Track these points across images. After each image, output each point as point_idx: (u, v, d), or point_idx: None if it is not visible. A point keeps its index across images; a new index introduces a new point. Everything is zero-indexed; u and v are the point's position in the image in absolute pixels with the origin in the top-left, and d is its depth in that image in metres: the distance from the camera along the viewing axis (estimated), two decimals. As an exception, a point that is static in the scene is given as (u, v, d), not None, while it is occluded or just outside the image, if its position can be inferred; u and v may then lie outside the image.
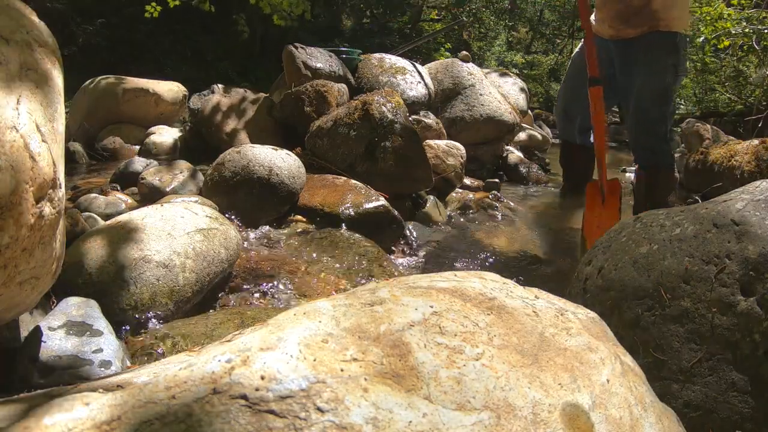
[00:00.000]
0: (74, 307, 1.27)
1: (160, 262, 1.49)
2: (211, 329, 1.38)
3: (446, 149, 3.26)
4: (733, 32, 5.49)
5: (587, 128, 3.13)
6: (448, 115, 4.01)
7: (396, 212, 2.41)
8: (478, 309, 0.76)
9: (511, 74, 5.27)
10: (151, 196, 2.44)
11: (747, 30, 5.43)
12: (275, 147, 2.41)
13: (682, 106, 9.07)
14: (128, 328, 1.38)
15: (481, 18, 14.02)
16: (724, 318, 0.98)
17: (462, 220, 2.90)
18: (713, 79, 7.81)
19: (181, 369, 0.59)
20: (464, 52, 4.65)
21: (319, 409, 0.54)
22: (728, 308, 0.98)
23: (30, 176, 0.84)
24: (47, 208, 0.90)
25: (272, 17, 5.77)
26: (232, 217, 2.14)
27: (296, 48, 3.48)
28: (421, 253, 2.33)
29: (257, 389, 0.55)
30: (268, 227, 2.22)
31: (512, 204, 3.29)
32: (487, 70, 4.99)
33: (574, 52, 3.18)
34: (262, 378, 0.56)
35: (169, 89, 4.98)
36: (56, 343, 1.14)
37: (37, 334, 1.14)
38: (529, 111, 5.51)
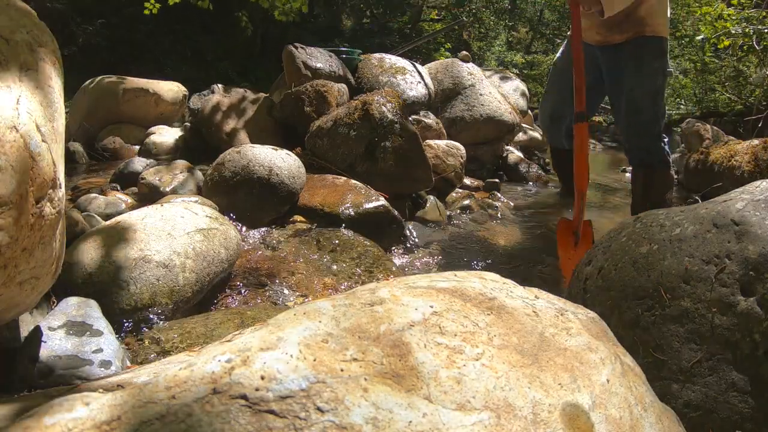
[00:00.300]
0: (74, 307, 1.27)
1: (160, 262, 1.49)
2: (211, 329, 1.38)
3: (446, 149, 3.26)
4: (733, 32, 5.49)
5: (573, 133, 3.17)
6: (448, 115, 4.01)
7: (396, 212, 2.41)
8: (478, 309, 0.76)
9: (511, 74, 5.27)
10: (151, 196, 2.44)
11: (747, 30, 5.43)
12: (275, 147, 2.41)
13: (682, 106, 9.08)
14: (128, 328, 1.38)
15: (481, 18, 14.02)
16: (724, 318, 0.98)
17: (462, 220, 2.90)
18: (713, 79, 7.81)
19: (181, 369, 0.59)
20: (464, 52, 4.65)
21: (319, 409, 0.54)
22: (728, 308, 0.98)
23: (30, 176, 0.84)
24: (47, 208, 0.90)
25: (273, 15, 5.76)
26: (232, 217, 2.14)
27: (296, 48, 3.48)
28: (421, 253, 2.33)
29: (257, 389, 0.55)
30: (268, 227, 2.22)
31: (512, 204, 3.30)
32: (489, 72, 4.99)
33: (557, 56, 3.18)
34: (262, 378, 0.56)
35: (169, 89, 4.98)
36: (56, 343, 1.14)
37: (37, 334, 1.14)
38: (529, 111, 5.51)
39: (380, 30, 13.03)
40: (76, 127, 4.58)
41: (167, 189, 2.48)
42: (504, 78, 5.02)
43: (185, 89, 5.14)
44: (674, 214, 1.19)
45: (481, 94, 4.08)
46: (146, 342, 1.33)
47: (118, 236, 1.52)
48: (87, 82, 4.76)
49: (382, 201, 2.38)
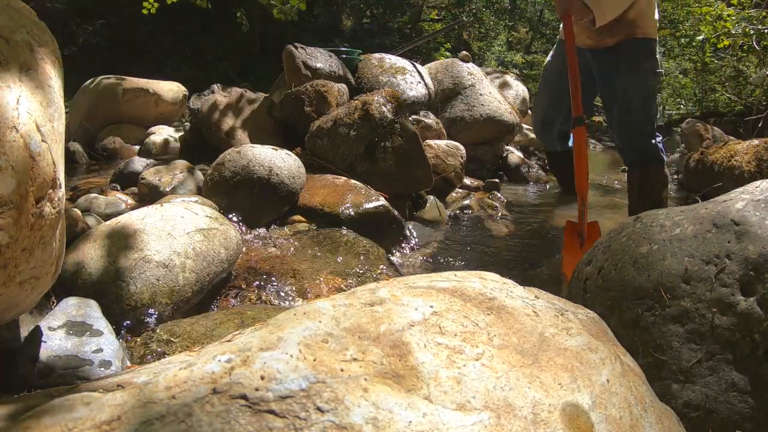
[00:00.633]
0: (74, 307, 1.27)
1: (160, 262, 1.49)
2: (211, 329, 1.38)
3: (446, 149, 3.26)
4: (733, 32, 5.49)
5: (566, 134, 3.22)
6: (448, 115, 4.00)
7: (396, 212, 2.41)
8: (478, 309, 0.76)
9: (511, 77, 5.27)
10: (151, 196, 2.44)
11: (747, 30, 5.43)
12: (275, 147, 2.41)
13: (682, 106, 9.08)
14: (128, 328, 1.38)
15: (481, 18, 14.02)
16: (724, 318, 0.98)
17: (462, 220, 2.90)
18: (713, 79, 7.81)
19: (181, 369, 0.59)
20: (464, 52, 4.65)
21: (319, 409, 0.54)
22: (728, 308, 0.98)
23: (30, 176, 0.84)
24: (47, 208, 0.90)
25: (271, 14, 5.75)
26: (232, 217, 2.14)
27: (296, 48, 3.48)
28: (421, 253, 2.33)
29: (257, 389, 0.55)
30: (268, 227, 2.22)
31: (512, 204, 3.30)
32: (488, 77, 4.98)
33: (547, 60, 3.20)
34: (262, 378, 0.56)
35: (169, 89, 4.99)
36: (56, 343, 1.14)
37: (37, 334, 1.14)
38: (529, 111, 5.51)
39: (380, 30, 13.03)
40: (76, 127, 4.58)
41: (167, 189, 2.48)
42: (504, 85, 5.01)
43: (185, 89, 5.15)
44: (674, 214, 1.19)
45: (481, 94, 4.08)
46: (146, 342, 1.33)
47: (118, 236, 1.52)
48: (87, 82, 4.77)
49: (382, 201, 2.38)
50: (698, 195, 3.53)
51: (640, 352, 1.05)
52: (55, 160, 0.92)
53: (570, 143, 3.36)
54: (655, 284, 1.08)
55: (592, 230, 2.31)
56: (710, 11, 5.75)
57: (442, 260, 2.27)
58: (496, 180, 3.73)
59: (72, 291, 1.38)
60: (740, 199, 1.09)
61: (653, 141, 2.73)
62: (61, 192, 0.97)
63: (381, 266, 1.98)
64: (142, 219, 1.61)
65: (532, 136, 5.00)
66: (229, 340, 0.66)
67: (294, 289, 1.76)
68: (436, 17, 13.91)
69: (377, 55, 4.05)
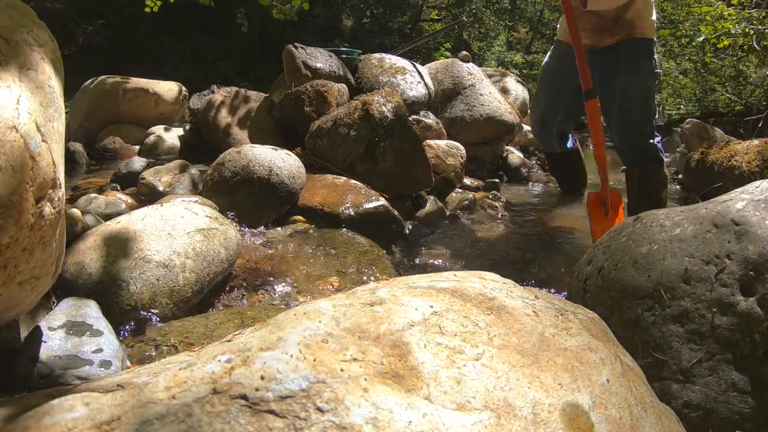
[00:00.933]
0: (74, 307, 1.27)
1: (160, 262, 1.49)
2: (211, 329, 1.38)
3: (446, 149, 3.26)
4: (733, 32, 5.49)
5: (564, 135, 3.23)
6: (448, 115, 4.00)
7: (396, 212, 2.41)
8: (478, 309, 0.76)
9: (510, 78, 5.26)
10: (151, 196, 2.44)
11: (747, 30, 5.43)
12: (275, 147, 2.41)
13: (682, 106, 9.08)
14: (128, 328, 1.38)
15: (481, 18, 14.02)
16: (724, 318, 0.98)
17: (462, 220, 2.90)
18: (713, 79, 7.81)
19: (181, 369, 0.59)
20: (464, 52, 4.65)
21: (319, 409, 0.54)
22: (728, 308, 0.98)
23: (30, 176, 0.84)
24: (47, 208, 0.90)
25: (271, 14, 5.75)
26: (232, 217, 2.14)
27: (296, 48, 3.48)
28: (421, 253, 2.33)
29: (257, 389, 0.55)
30: (268, 227, 2.22)
31: (512, 204, 3.29)
32: (490, 77, 4.97)
33: (545, 61, 3.20)
34: (262, 378, 0.56)
35: (169, 89, 4.99)
36: (56, 343, 1.14)
37: (37, 334, 1.14)
38: (529, 111, 5.51)
39: (380, 30, 13.03)
40: (76, 127, 4.58)
41: (167, 189, 2.48)
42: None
43: (185, 89, 5.15)
44: (674, 214, 1.19)
45: (481, 94, 4.08)
46: (146, 342, 1.33)
47: (118, 236, 1.52)
48: (87, 82, 4.77)
49: (382, 201, 2.38)
50: (698, 195, 3.53)
51: (640, 352, 1.05)
52: (55, 160, 0.92)
53: (569, 144, 3.37)
54: (655, 284, 1.08)
55: (615, 198, 2.37)
56: (710, 11, 5.75)
57: (442, 260, 2.27)
58: (496, 180, 3.73)
59: (72, 291, 1.38)
60: (740, 199, 1.09)
61: (652, 141, 2.73)
62: (61, 192, 0.97)
63: (381, 266, 1.98)
64: (142, 219, 1.61)
65: (532, 136, 5.00)
66: (229, 340, 0.66)
67: (294, 289, 1.76)
68: (436, 17, 13.91)
69: (377, 55, 4.05)
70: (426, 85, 3.94)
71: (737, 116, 6.47)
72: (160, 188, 2.50)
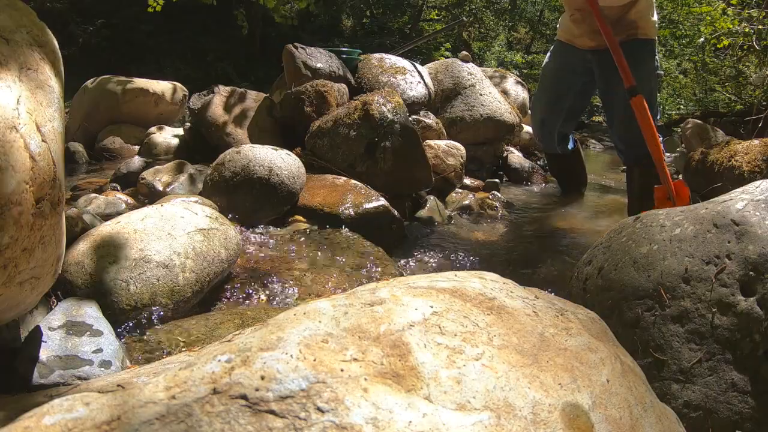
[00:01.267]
0: (74, 307, 1.27)
1: (160, 262, 1.49)
2: (211, 329, 1.38)
3: (446, 149, 3.26)
4: (734, 30, 5.50)
5: (565, 135, 3.23)
6: (448, 115, 4.00)
7: (396, 212, 2.41)
8: (478, 309, 0.76)
9: (512, 74, 5.27)
10: (151, 196, 2.44)
11: (747, 30, 5.43)
12: (275, 147, 2.41)
13: (682, 106, 9.08)
14: (128, 328, 1.38)
15: (481, 18, 14.02)
16: (724, 318, 0.98)
17: (462, 220, 2.90)
18: (713, 79, 7.81)
19: (181, 369, 0.59)
20: (464, 52, 4.65)
21: (319, 409, 0.54)
22: (728, 308, 0.98)
23: (30, 176, 0.84)
24: (47, 208, 0.90)
25: (271, 17, 5.76)
26: (232, 217, 2.14)
27: (296, 48, 3.48)
28: (421, 253, 2.33)
29: (257, 389, 0.55)
30: (268, 227, 2.22)
31: (512, 204, 3.29)
32: (489, 75, 4.97)
33: (545, 61, 3.20)
34: (262, 378, 0.56)
35: (169, 89, 4.99)
36: (56, 343, 1.14)
37: (37, 334, 1.14)
38: (529, 111, 5.51)
39: (380, 30, 13.03)
40: (76, 127, 4.58)
41: (167, 189, 2.48)
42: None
43: (185, 89, 5.15)
44: (674, 214, 1.19)
45: (481, 94, 4.08)
46: (146, 342, 1.33)
47: (118, 236, 1.52)
48: (87, 82, 4.77)
49: (382, 201, 2.38)
50: (698, 195, 3.53)
51: (640, 352, 1.05)
52: (55, 160, 0.92)
53: (570, 145, 3.37)
54: (655, 284, 1.08)
55: (681, 189, 2.36)
56: (710, 11, 5.75)
57: (442, 260, 2.27)
58: (496, 180, 3.73)
59: (72, 291, 1.38)
60: (740, 199, 1.09)
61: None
62: (61, 192, 0.97)
63: (381, 266, 1.98)
64: (142, 219, 1.61)
65: (532, 136, 5.00)
66: (229, 340, 0.66)
67: (294, 289, 1.76)
68: (436, 17, 13.90)
69: (377, 55, 4.05)
70: (426, 85, 3.94)
71: (737, 116, 6.47)
72: (160, 188, 2.50)
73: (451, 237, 2.61)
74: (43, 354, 1.10)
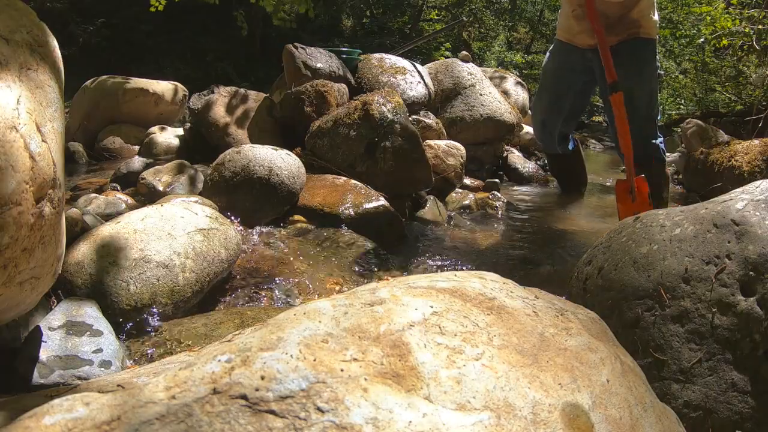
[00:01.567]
0: (74, 307, 1.27)
1: (160, 262, 1.49)
2: (211, 329, 1.38)
3: (446, 149, 3.26)
4: (734, 30, 5.50)
5: (565, 135, 3.23)
6: (448, 115, 4.00)
7: (396, 212, 2.41)
8: (478, 309, 0.76)
9: (512, 74, 5.26)
10: (151, 196, 2.44)
11: (747, 30, 5.43)
12: (275, 147, 2.41)
13: (682, 106, 9.08)
14: (128, 328, 1.38)
15: (481, 18, 14.02)
16: (724, 318, 0.98)
17: (462, 220, 2.90)
18: (713, 79, 7.81)
19: (181, 369, 0.59)
20: (464, 52, 4.65)
21: (319, 409, 0.54)
22: (728, 308, 0.98)
23: (30, 176, 0.84)
24: (47, 208, 0.90)
25: (271, 17, 5.77)
26: (232, 217, 2.14)
27: (296, 48, 3.48)
28: (421, 253, 2.33)
29: (257, 389, 0.55)
30: (268, 227, 2.22)
31: (512, 204, 3.30)
32: (489, 76, 4.96)
33: (545, 61, 3.20)
34: (262, 378, 0.56)
35: (169, 89, 4.99)
36: (56, 343, 1.14)
37: (37, 334, 1.14)
38: (529, 111, 5.51)
39: (380, 30, 13.03)
40: (76, 127, 4.58)
41: (167, 189, 2.48)
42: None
43: (185, 89, 5.15)
44: (674, 214, 1.19)
45: (481, 94, 4.08)
46: (146, 342, 1.33)
47: (118, 236, 1.52)
48: (87, 82, 4.77)
49: (382, 201, 2.38)
50: (698, 195, 3.53)
51: (640, 352, 1.05)
52: (55, 160, 0.92)
53: (570, 145, 3.37)
54: (655, 284, 1.08)
55: (641, 184, 2.47)
56: (710, 11, 5.75)
57: (442, 260, 2.27)
58: (496, 180, 3.73)
59: (72, 291, 1.38)
60: (740, 199, 1.08)
61: (654, 141, 2.74)
62: (61, 192, 0.97)
63: (381, 266, 1.98)
64: (142, 219, 1.61)
65: (532, 136, 5.00)
66: (229, 340, 0.66)
67: (294, 289, 1.76)
68: (436, 17, 13.90)
69: (377, 55, 4.05)
70: (426, 85, 3.94)
71: (737, 116, 6.47)
72: (160, 188, 2.50)
73: (451, 237, 2.61)
74: (43, 354, 1.10)
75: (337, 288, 1.80)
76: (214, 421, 0.53)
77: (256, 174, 2.20)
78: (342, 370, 0.59)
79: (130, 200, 2.38)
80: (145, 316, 1.41)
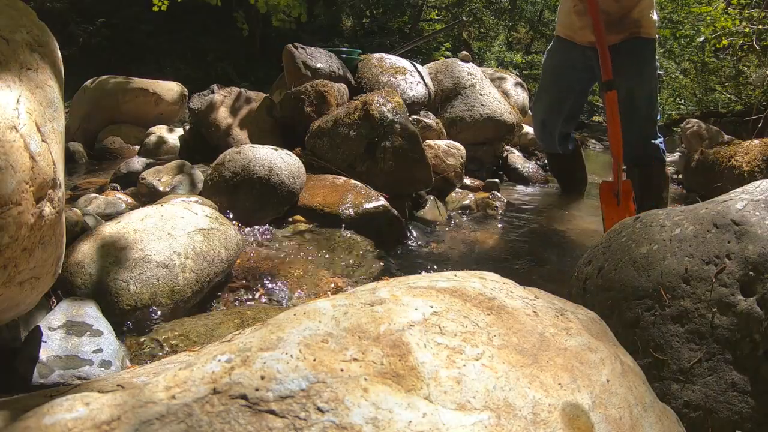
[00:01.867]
0: (74, 307, 1.27)
1: (160, 262, 1.49)
2: (211, 329, 1.38)
3: (446, 149, 3.26)
4: (734, 30, 5.50)
5: (565, 135, 3.23)
6: (448, 115, 4.00)
7: (396, 212, 2.41)
8: (478, 309, 0.76)
9: (512, 74, 5.26)
10: (150, 196, 2.44)
11: (747, 30, 5.43)
12: (275, 147, 2.41)
13: (682, 106, 9.08)
14: (128, 328, 1.38)
15: (480, 18, 14.02)
16: (724, 318, 0.98)
17: (462, 220, 2.90)
18: (713, 79, 7.81)
19: (181, 369, 0.59)
20: (464, 52, 4.65)
21: (319, 409, 0.54)
22: (728, 308, 0.98)
23: (30, 176, 0.84)
24: (47, 208, 0.90)
25: (271, 17, 5.78)
26: (232, 217, 2.14)
27: (296, 48, 3.48)
28: (421, 253, 2.33)
29: (257, 389, 0.55)
30: (268, 227, 2.22)
31: (512, 204, 3.30)
32: (489, 74, 4.96)
33: (544, 60, 3.19)
34: (262, 378, 0.56)
35: (169, 89, 4.99)
36: (56, 343, 1.14)
37: (37, 334, 1.14)
38: (530, 111, 5.51)
39: (380, 30, 13.03)
40: (76, 127, 4.58)
41: (167, 189, 2.48)
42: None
43: (185, 89, 5.15)
44: (674, 214, 1.19)
45: (481, 94, 4.08)
46: (146, 342, 1.33)
47: (117, 236, 1.52)
48: (87, 82, 4.77)
49: (382, 201, 2.38)
50: (698, 195, 3.53)
51: (640, 352, 1.05)
52: (55, 160, 0.92)
53: (570, 145, 3.37)
54: (655, 284, 1.08)
55: (626, 188, 2.45)
56: (710, 11, 5.75)
57: (442, 260, 2.27)
58: (496, 180, 3.73)
59: (72, 291, 1.38)
60: (740, 199, 1.08)
61: (654, 141, 2.74)
62: (61, 192, 0.97)
63: (381, 266, 1.98)
64: (142, 219, 1.61)
65: (532, 136, 5.00)
66: (229, 340, 0.66)
67: (294, 289, 1.76)
68: (436, 17, 13.90)
69: (377, 55, 4.05)
70: (426, 85, 3.94)
71: (737, 116, 6.47)
72: (160, 188, 2.50)
73: (451, 237, 2.61)
74: (43, 354, 1.10)
75: (337, 288, 1.80)
76: (214, 421, 0.53)
77: (256, 174, 2.20)
78: (342, 370, 0.59)
79: (130, 200, 2.38)
80: (145, 316, 1.41)
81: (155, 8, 5.42)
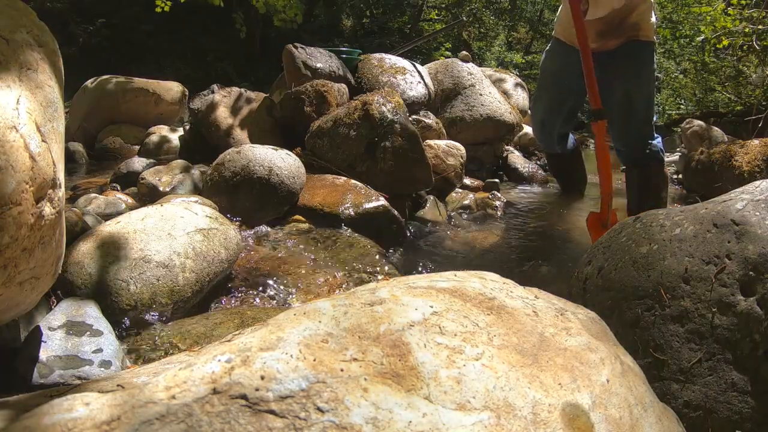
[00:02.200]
0: (74, 307, 1.27)
1: (160, 262, 1.49)
2: (211, 329, 1.38)
3: (446, 149, 3.26)
4: (734, 30, 5.50)
5: (565, 135, 3.23)
6: (448, 115, 4.00)
7: (396, 212, 2.41)
8: (478, 309, 0.76)
9: (512, 74, 5.27)
10: (150, 196, 2.44)
11: (747, 30, 5.43)
12: (275, 147, 2.41)
13: (682, 106, 9.07)
14: (128, 328, 1.38)
15: (480, 18, 14.02)
16: (724, 318, 0.98)
17: (462, 220, 2.90)
18: (713, 79, 7.81)
19: (181, 369, 0.59)
20: (464, 52, 4.65)
21: (319, 409, 0.54)
22: (728, 308, 0.98)
23: (30, 176, 0.84)
24: (47, 208, 0.90)
25: (271, 18, 5.78)
26: (232, 217, 2.14)
27: (296, 48, 3.48)
28: (421, 253, 2.33)
29: (257, 389, 0.55)
30: (268, 227, 2.22)
31: (512, 204, 3.30)
32: (489, 74, 4.96)
33: (543, 60, 3.18)
34: (262, 378, 0.56)
35: (169, 89, 4.99)
36: (56, 343, 1.14)
37: (37, 334, 1.14)
38: (529, 111, 5.51)
39: (380, 30, 13.03)
40: (76, 127, 4.58)
41: (167, 189, 2.48)
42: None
43: (185, 89, 5.15)
44: (674, 214, 1.19)
45: (481, 94, 4.08)
46: (146, 342, 1.33)
47: (117, 236, 1.52)
48: (87, 82, 4.77)
49: (382, 201, 2.38)
50: (698, 195, 3.53)
51: (640, 352, 1.05)
52: (55, 160, 0.92)
53: (570, 145, 3.37)
54: (655, 284, 1.08)
55: (613, 217, 2.36)
56: (710, 11, 5.76)
57: (442, 260, 2.27)
58: (496, 180, 3.73)
59: (72, 291, 1.38)
60: (740, 199, 1.08)
61: (652, 141, 2.74)
62: (61, 192, 0.97)
63: (381, 266, 1.98)
64: (142, 219, 1.61)
65: (532, 136, 5.00)
66: (229, 340, 0.66)
67: (294, 289, 1.76)
68: (436, 17, 13.90)
69: (377, 55, 4.05)
70: (426, 85, 3.94)
71: (737, 116, 6.47)
72: (160, 188, 2.50)
73: (451, 237, 2.61)
74: (43, 354, 1.10)
75: (337, 288, 1.80)
76: (214, 421, 0.53)
77: (256, 174, 2.20)
78: (342, 370, 0.59)
79: (130, 200, 2.38)
80: (145, 316, 1.41)
81: (158, 9, 5.41)
